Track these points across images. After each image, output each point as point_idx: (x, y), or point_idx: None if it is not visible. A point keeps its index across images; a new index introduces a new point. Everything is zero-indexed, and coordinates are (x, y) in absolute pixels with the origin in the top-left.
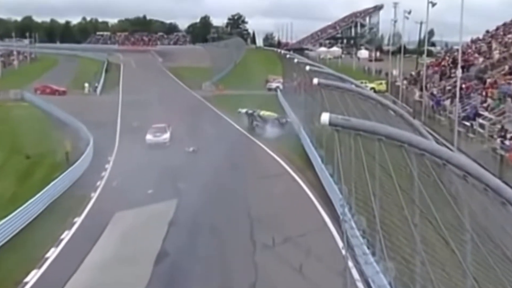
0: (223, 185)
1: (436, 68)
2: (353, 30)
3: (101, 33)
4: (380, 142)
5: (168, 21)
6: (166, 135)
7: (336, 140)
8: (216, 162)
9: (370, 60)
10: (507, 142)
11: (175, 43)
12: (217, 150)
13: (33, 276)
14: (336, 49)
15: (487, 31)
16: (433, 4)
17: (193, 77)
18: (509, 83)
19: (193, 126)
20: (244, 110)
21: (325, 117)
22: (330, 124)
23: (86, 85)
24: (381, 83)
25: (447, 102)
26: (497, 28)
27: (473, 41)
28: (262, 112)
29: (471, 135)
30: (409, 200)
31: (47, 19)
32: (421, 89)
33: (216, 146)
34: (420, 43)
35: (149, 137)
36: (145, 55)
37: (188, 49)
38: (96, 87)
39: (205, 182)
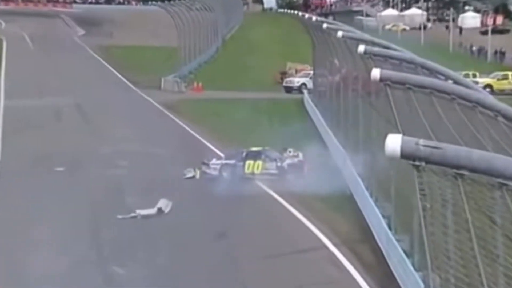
0: (207, 269)
1: None
2: None
3: None
4: (504, 191)
5: None
6: None
7: (417, 187)
8: (195, 224)
9: (484, 33)
10: None
11: (108, 1)
12: (197, 205)
13: None
14: (415, 12)
15: None
16: None
17: (145, 65)
18: None
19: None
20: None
21: (394, 142)
22: (404, 155)
23: None
24: (505, 77)
25: None
26: None
27: None
28: (248, 167)
29: None
30: None
31: None
32: None
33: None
34: None
35: None
36: (51, 23)
37: (134, 12)
38: None
39: (174, 260)
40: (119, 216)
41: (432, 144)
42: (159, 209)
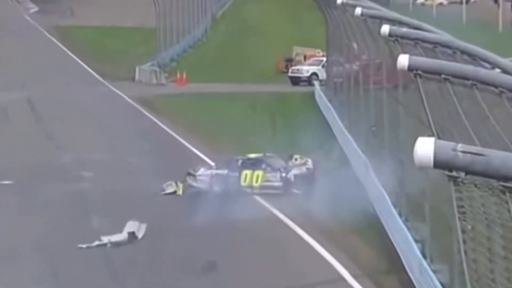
0: None
1: None
2: None
3: None
4: None
5: None
6: None
7: (454, 204)
8: (177, 253)
9: None
10: None
11: None
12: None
13: None
14: None
15: None
16: None
17: (114, 51)
18: None
19: None
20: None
21: (425, 147)
22: (437, 164)
23: None
24: None
25: None
26: None
27: None
28: (245, 178)
29: None
30: None
31: None
32: None
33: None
34: None
35: None
36: None
37: None
38: None
39: None
40: (81, 245)
41: (473, 149)
42: (131, 234)
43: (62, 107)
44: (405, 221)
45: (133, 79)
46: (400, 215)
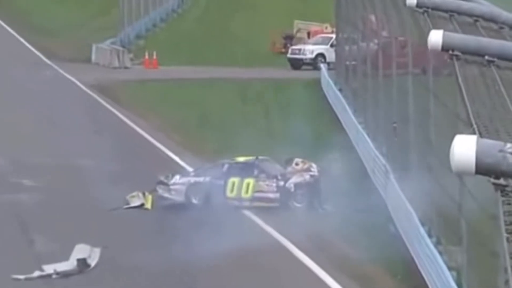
0: None
1: None
2: None
3: None
4: None
5: None
6: None
7: (501, 220)
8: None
9: None
10: None
11: None
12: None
13: None
14: None
15: None
16: None
17: (65, 24)
18: None
19: None
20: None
21: (464, 148)
22: (480, 169)
23: None
24: None
25: None
26: None
27: None
28: (233, 187)
29: None
30: None
31: None
32: None
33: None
34: None
35: None
36: None
37: None
38: None
39: None
40: (18, 276)
41: None
42: (82, 262)
43: None
44: (436, 243)
45: (88, 60)
46: (429, 235)
